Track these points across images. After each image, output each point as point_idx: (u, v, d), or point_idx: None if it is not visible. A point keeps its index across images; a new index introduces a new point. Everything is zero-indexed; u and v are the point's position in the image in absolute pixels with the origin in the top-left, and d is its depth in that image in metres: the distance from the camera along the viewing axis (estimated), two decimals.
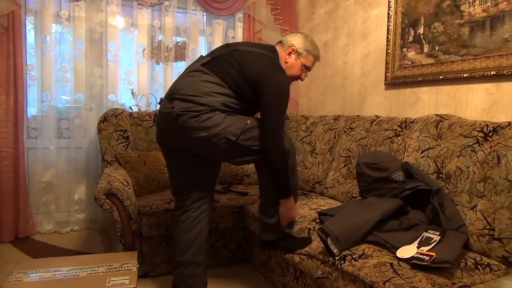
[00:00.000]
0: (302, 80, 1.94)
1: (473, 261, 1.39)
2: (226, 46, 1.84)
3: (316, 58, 1.92)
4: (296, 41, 1.86)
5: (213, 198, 1.91)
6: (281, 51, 1.86)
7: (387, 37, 2.53)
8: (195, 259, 1.75)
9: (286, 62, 1.84)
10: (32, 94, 2.87)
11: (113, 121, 2.62)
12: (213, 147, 1.67)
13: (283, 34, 3.48)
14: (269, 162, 1.71)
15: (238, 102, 1.71)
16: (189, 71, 1.77)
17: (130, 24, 3.09)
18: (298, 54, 1.85)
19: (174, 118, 1.65)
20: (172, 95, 1.69)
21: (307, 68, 1.89)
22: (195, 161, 1.75)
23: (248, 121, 1.70)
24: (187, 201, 1.78)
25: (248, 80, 1.69)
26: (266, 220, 1.82)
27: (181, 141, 1.71)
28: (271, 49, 1.86)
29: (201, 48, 3.38)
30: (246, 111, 1.75)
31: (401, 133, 2.09)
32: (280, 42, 1.90)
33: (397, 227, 1.58)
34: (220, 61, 1.75)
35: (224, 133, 1.64)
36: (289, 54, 1.85)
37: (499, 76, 1.87)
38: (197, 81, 1.70)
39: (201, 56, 1.86)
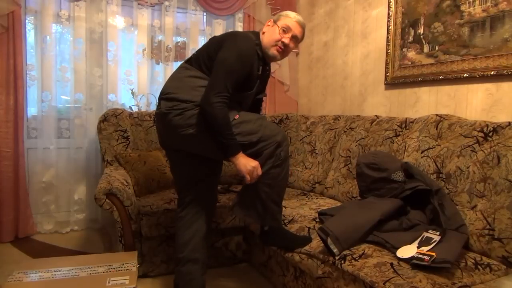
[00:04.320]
0: (285, 43, 1.77)
1: (473, 261, 1.40)
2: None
3: (293, 18, 1.79)
4: (275, 17, 1.86)
5: (214, 197, 1.91)
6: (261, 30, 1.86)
7: (387, 37, 2.53)
8: (192, 256, 1.75)
9: (263, 33, 1.82)
10: (32, 94, 2.87)
11: (113, 121, 2.62)
12: (202, 144, 1.67)
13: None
14: (204, 117, 1.62)
15: None
16: (176, 69, 1.82)
17: (130, 24, 3.09)
18: (274, 21, 1.83)
19: (162, 117, 1.70)
20: (160, 96, 1.75)
21: (286, 30, 1.77)
22: (194, 160, 1.76)
23: (236, 116, 1.67)
24: (186, 198, 1.80)
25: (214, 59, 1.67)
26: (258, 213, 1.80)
27: (173, 139, 1.73)
28: (252, 32, 1.87)
29: None
30: (236, 102, 1.71)
31: (401, 133, 2.09)
32: None
33: (397, 227, 1.58)
34: (198, 53, 1.78)
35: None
36: (267, 25, 1.85)
37: (499, 76, 1.87)
38: (180, 77, 1.74)
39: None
